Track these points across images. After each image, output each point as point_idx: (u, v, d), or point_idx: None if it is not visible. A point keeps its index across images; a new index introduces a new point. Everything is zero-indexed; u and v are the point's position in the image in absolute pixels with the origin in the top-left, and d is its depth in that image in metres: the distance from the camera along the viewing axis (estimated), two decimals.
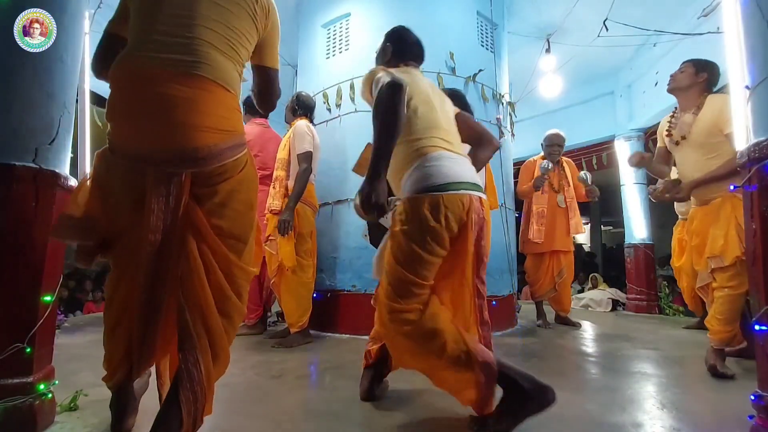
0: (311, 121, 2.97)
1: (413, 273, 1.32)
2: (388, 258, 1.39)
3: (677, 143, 2.31)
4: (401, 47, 1.72)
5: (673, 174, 3.37)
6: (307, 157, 2.68)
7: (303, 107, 2.97)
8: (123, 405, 1.23)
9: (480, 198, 1.41)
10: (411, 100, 1.45)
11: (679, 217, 3.45)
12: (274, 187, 2.79)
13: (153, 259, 1.05)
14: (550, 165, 3.41)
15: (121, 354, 1.17)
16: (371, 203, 1.28)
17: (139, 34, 1.11)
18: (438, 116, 1.49)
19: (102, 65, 1.24)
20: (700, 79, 2.26)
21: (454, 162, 1.41)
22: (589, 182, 3.47)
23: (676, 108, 2.40)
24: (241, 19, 1.18)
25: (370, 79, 1.49)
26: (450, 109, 1.62)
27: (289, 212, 2.59)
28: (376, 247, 2.37)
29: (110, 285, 1.19)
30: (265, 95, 1.38)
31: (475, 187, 1.41)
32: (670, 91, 2.37)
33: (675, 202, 3.39)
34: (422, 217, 1.32)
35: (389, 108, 1.32)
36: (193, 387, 1.04)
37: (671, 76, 2.37)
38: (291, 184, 2.71)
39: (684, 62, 2.35)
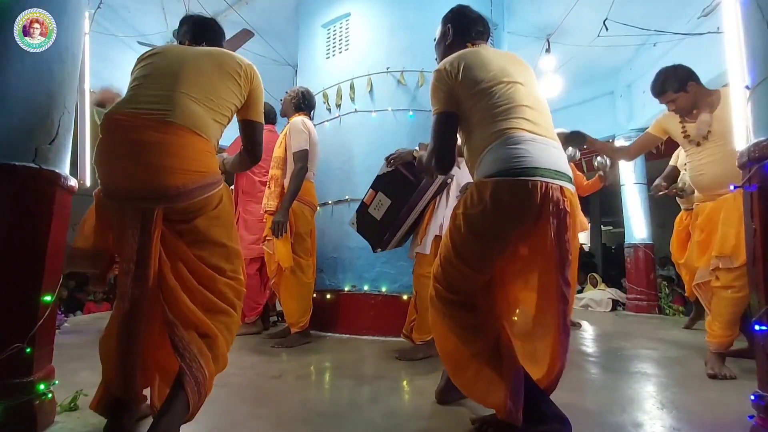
0: (310, 118, 2.92)
1: (465, 262, 1.28)
2: (445, 240, 1.36)
3: (698, 144, 2.20)
4: (463, 27, 1.60)
5: (680, 182, 3.38)
6: (302, 156, 2.62)
7: (306, 103, 2.90)
8: (122, 406, 1.23)
9: (561, 187, 1.26)
10: (481, 82, 1.35)
11: (682, 207, 3.40)
12: (269, 187, 2.75)
13: (131, 285, 1.15)
14: (577, 153, 3.36)
15: (106, 381, 1.23)
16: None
17: (128, 94, 1.29)
18: (521, 94, 1.35)
19: None
20: (692, 89, 2.19)
21: (534, 146, 1.27)
22: (608, 167, 3.42)
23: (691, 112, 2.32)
24: (224, 84, 1.33)
25: (432, 95, 1.44)
26: (534, 83, 1.48)
27: (283, 213, 2.54)
28: (363, 236, 2.40)
29: (110, 317, 1.26)
30: (252, 147, 1.49)
31: (556, 174, 1.27)
32: (685, 116, 2.27)
33: (677, 196, 3.39)
34: (485, 203, 1.24)
35: (438, 140, 1.41)
36: (194, 374, 1.13)
37: (672, 110, 2.29)
38: (287, 182, 2.66)
39: (661, 96, 2.27)
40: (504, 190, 1.23)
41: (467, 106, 1.38)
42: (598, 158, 3.47)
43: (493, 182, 1.25)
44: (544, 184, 1.23)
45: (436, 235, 2.28)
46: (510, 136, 1.28)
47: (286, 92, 3.00)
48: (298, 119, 2.74)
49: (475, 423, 1.34)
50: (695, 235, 2.39)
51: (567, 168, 1.33)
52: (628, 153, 2.60)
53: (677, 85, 2.21)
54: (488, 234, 1.27)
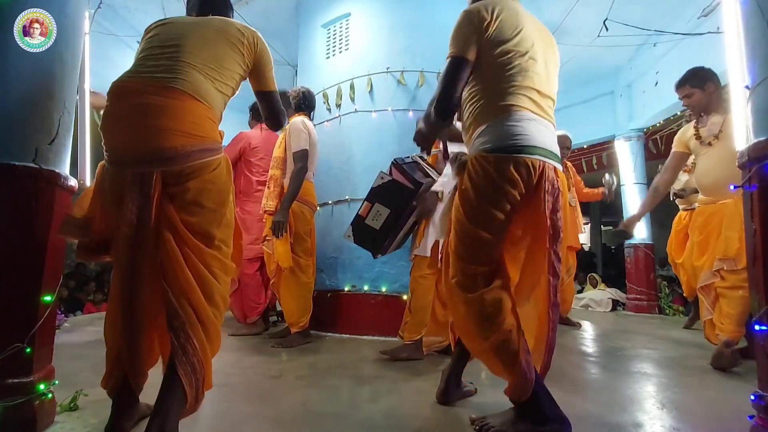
0: (310, 119, 2.92)
1: (484, 229, 1.30)
2: (456, 216, 1.36)
3: (710, 144, 2.30)
4: None
5: (680, 183, 3.42)
6: (302, 156, 2.62)
7: (307, 103, 2.90)
8: (122, 407, 1.23)
9: (555, 168, 1.36)
10: (507, 42, 1.34)
11: (680, 208, 3.44)
12: (268, 187, 2.75)
13: (129, 251, 1.16)
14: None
15: (114, 356, 1.21)
16: (423, 139, 1.53)
17: (135, 63, 1.30)
18: (535, 68, 1.37)
19: None
20: (710, 90, 2.30)
21: (534, 125, 1.33)
22: (614, 186, 3.70)
23: (702, 114, 2.40)
24: (227, 54, 1.34)
25: (454, 35, 1.42)
26: (553, 59, 1.48)
27: (282, 213, 2.54)
28: (362, 246, 2.40)
29: (111, 284, 1.26)
30: (270, 116, 1.53)
31: (550, 154, 1.35)
32: (695, 114, 2.40)
33: (677, 197, 3.42)
34: (491, 176, 1.29)
35: (435, 128, 1.43)
36: (190, 359, 1.13)
37: (685, 106, 2.42)
38: (287, 183, 2.66)
39: (679, 88, 2.39)
40: (506, 166, 1.29)
41: (482, 63, 1.37)
42: (606, 176, 3.57)
43: (495, 157, 1.31)
44: (541, 163, 1.31)
45: (436, 239, 2.29)
46: (513, 113, 1.32)
47: (287, 92, 3.00)
48: (298, 119, 2.74)
49: (475, 423, 1.34)
50: (694, 235, 2.44)
51: (558, 149, 1.41)
52: (667, 182, 2.61)
53: (696, 81, 2.33)
54: (497, 199, 1.30)
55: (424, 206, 2.30)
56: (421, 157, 2.39)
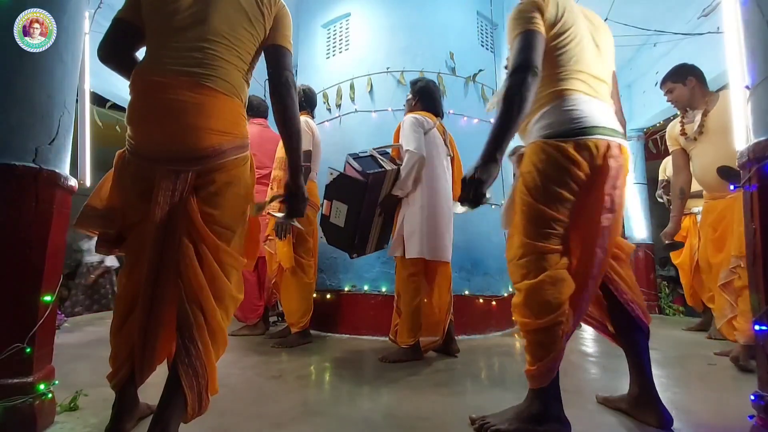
0: (312, 117, 2.91)
1: (552, 208, 1.30)
2: (521, 198, 1.36)
3: (694, 139, 2.36)
4: None
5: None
6: (306, 157, 2.60)
7: (309, 102, 2.89)
8: (123, 407, 1.23)
9: (620, 145, 1.36)
10: (562, 29, 1.36)
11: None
12: (272, 188, 2.75)
13: (158, 250, 1.14)
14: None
15: (126, 352, 1.20)
16: (476, 190, 1.21)
17: (157, 46, 1.21)
18: (590, 57, 1.40)
19: (109, 51, 1.31)
20: (691, 84, 2.39)
21: (591, 105, 1.35)
22: None
23: (683, 112, 2.48)
24: (249, 28, 1.26)
25: (514, 21, 1.36)
26: (606, 43, 1.49)
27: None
28: (335, 246, 2.40)
29: (121, 280, 1.25)
30: (274, 74, 1.31)
31: (614, 132, 1.36)
32: (682, 110, 2.47)
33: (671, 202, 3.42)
34: (556, 159, 1.30)
35: (515, 99, 1.24)
36: (192, 362, 1.09)
37: (670, 101, 2.50)
38: None
39: (662, 85, 2.49)
40: (569, 149, 1.29)
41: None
42: None
43: (557, 141, 1.31)
44: (605, 142, 1.32)
45: (401, 236, 2.28)
46: (568, 97, 1.34)
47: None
48: (302, 119, 2.73)
49: (475, 422, 1.35)
50: (708, 233, 2.45)
51: (620, 126, 1.40)
52: (687, 181, 2.61)
53: (677, 77, 2.43)
54: (563, 180, 1.30)
55: (385, 202, 2.28)
56: (381, 152, 2.39)
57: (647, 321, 1.43)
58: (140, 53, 1.32)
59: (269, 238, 2.69)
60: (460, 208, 1.31)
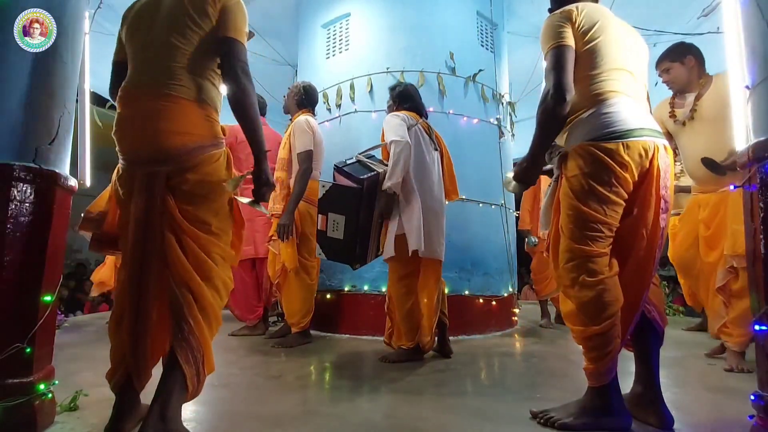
0: (314, 115, 2.87)
1: (600, 212, 1.31)
2: (568, 203, 1.36)
3: (684, 124, 2.21)
4: None
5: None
6: (307, 157, 2.60)
7: (309, 99, 2.85)
8: (123, 407, 1.23)
9: (665, 145, 1.39)
10: (595, 35, 1.39)
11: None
12: (274, 190, 2.73)
13: (139, 246, 1.23)
14: None
15: (122, 352, 1.24)
16: (526, 179, 1.44)
17: (132, 67, 1.35)
18: (625, 56, 1.43)
19: (116, 91, 1.42)
20: (689, 63, 2.22)
21: (633, 107, 1.37)
22: None
23: (675, 93, 2.32)
24: (195, 27, 1.30)
25: (545, 35, 1.42)
26: (643, 52, 1.53)
27: (288, 216, 2.53)
28: (336, 260, 2.36)
29: (117, 279, 1.35)
30: (224, 66, 1.35)
31: (657, 134, 1.38)
32: (678, 92, 2.31)
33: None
34: (604, 162, 1.31)
35: (551, 121, 1.35)
36: (186, 336, 1.18)
37: (665, 83, 2.33)
38: (293, 183, 2.64)
39: (659, 64, 2.31)
40: (618, 151, 1.31)
41: (577, 54, 1.39)
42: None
43: (604, 144, 1.32)
44: (653, 143, 1.34)
45: (396, 235, 2.22)
46: (610, 99, 1.36)
47: (288, 88, 2.97)
48: (302, 119, 2.70)
49: (538, 417, 1.36)
50: (701, 230, 2.28)
51: (659, 127, 1.43)
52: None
53: (675, 55, 2.25)
54: (612, 182, 1.32)
55: (381, 204, 2.23)
56: (368, 156, 2.35)
57: (663, 323, 1.43)
58: None
59: (273, 238, 2.67)
60: (512, 186, 1.53)
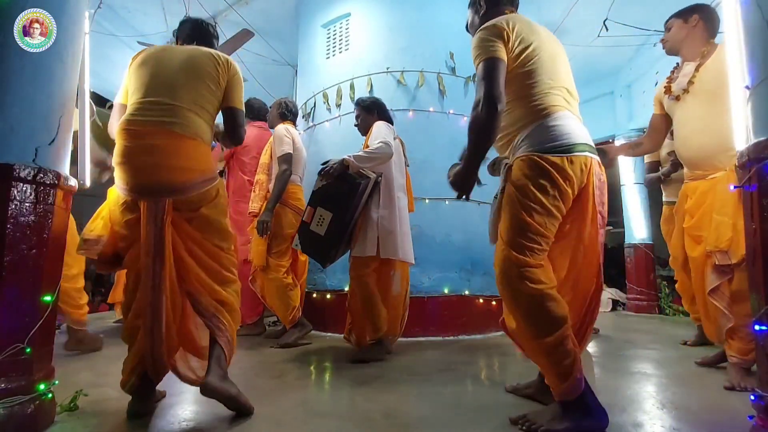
0: (294, 126, 2.99)
1: (538, 222, 1.32)
2: (509, 210, 1.36)
3: (678, 98, 1.96)
4: None
5: (665, 148, 3.01)
6: (286, 159, 2.70)
7: (291, 112, 3.00)
8: (143, 392, 1.43)
9: (598, 162, 1.43)
10: (532, 55, 1.40)
11: (663, 199, 3.08)
12: (254, 191, 2.85)
13: (151, 266, 1.39)
14: None
15: (136, 361, 1.41)
16: (463, 186, 1.41)
17: (136, 102, 1.49)
18: (562, 73, 1.46)
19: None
20: (693, 23, 1.95)
21: (574, 123, 1.40)
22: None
23: (677, 64, 2.07)
24: (207, 86, 1.56)
25: (476, 48, 1.41)
26: (565, 61, 1.53)
27: (267, 213, 2.63)
28: (309, 254, 2.40)
29: (126, 295, 1.48)
30: (228, 130, 1.68)
31: (593, 149, 1.42)
32: (668, 52, 2.09)
33: (663, 188, 3.12)
34: (550, 173, 1.32)
35: (483, 131, 1.34)
36: (225, 334, 1.45)
37: (662, 42, 2.10)
38: (272, 187, 2.74)
39: (666, 24, 2.08)
40: (562, 164, 1.33)
41: (509, 73, 1.40)
42: None
43: (550, 157, 1.33)
44: (590, 158, 1.38)
45: (378, 236, 2.30)
46: (554, 113, 1.38)
47: (270, 107, 3.14)
48: (282, 127, 2.83)
49: (519, 423, 1.34)
50: (684, 221, 2.02)
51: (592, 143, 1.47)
52: (650, 144, 2.22)
53: (680, 13, 2.00)
54: (555, 194, 1.33)
55: (337, 167, 2.26)
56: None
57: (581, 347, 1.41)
58: None
59: (250, 237, 2.79)
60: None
